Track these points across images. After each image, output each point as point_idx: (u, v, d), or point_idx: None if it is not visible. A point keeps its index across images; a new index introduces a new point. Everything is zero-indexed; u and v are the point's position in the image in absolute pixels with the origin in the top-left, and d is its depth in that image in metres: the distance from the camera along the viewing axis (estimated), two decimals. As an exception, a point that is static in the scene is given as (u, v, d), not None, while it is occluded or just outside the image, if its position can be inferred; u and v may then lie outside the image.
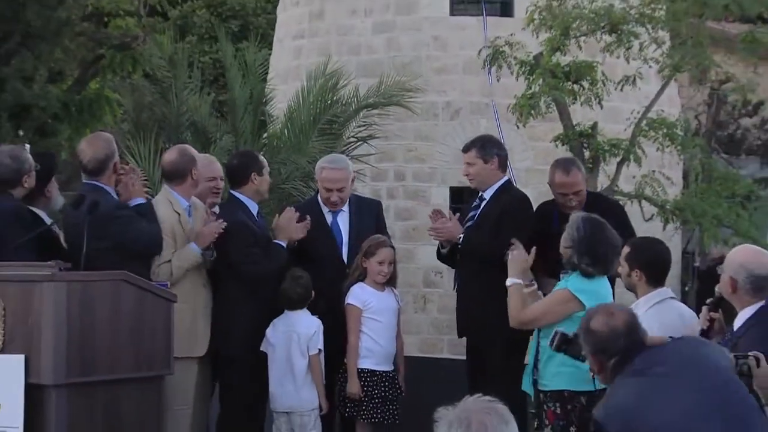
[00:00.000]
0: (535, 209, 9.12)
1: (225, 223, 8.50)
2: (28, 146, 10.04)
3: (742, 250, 6.64)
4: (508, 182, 9.25)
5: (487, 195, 9.02)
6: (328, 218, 9.15)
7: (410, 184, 16.31)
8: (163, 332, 7.50)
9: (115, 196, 8.40)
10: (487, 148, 9.04)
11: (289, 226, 8.79)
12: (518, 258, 7.63)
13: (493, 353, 8.71)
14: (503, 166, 9.10)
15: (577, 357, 5.74)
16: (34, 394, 6.93)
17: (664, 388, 5.17)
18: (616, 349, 5.30)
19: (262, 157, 9.43)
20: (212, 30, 22.76)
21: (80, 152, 8.52)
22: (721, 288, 6.48)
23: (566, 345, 5.82)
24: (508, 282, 7.59)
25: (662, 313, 6.78)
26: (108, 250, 8.05)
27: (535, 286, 7.80)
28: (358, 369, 8.65)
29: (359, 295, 8.70)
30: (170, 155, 8.81)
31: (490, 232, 8.79)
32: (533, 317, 7.53)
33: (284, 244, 8.76)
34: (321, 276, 8.73)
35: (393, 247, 8.95)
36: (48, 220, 8.82)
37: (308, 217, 8.85)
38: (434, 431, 4.39)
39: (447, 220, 9.00)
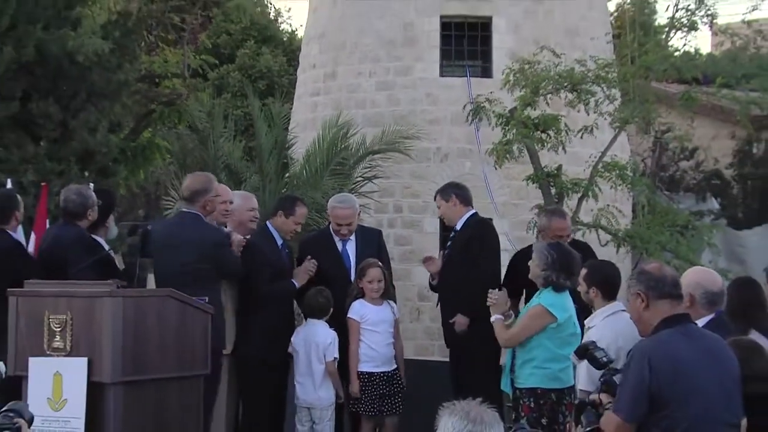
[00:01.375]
0: (518, 253, 9.09)
1: (316, 263, 8.83)
2: (92, 185, 9.96)
3: (696, 271, 6.60)
4: (474, 214, 9.21)
5: (458, 226, 9.17)
6: (339, 246, 9.17)
7: (407, 216, 16.27)
8: (201, 338, 7.41)
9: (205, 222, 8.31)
10: (446, 191, 9.25)
11: (305, 275, 8.83)
12: (500, 301, 7.72)
13: (471, 358, 8.85)
14: (464, 201, 9.14)
15: (596, 363, 5.71)
16: (94, 391, 6.88)
17: (709, 362, 5.10)
18: (665, 290, 5.24)
19: (300, 207, 9.28)
20: (243, 89, 22.77)
21: (185, 184, 8.43)
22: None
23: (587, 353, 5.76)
24: (492, 319, 7.67)
25: (615, 323, 6.72)
26: (204, 270, 8.06)
27: (513, 317, 7.83)
28: (358, 372, 8.69)
29: (358, 310, 8.74)
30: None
31: (461, 257, 8.98)
32: (515, 337, 7.51)
33: (297, 285, 8.80)
34: (333, 295, 8.72)
35: (381, 267, 8.89)
36: (106, 247, 8.82)
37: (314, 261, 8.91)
38: (437, 419, 4.36)
39: (432, 262, 9.22)
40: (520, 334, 7.48)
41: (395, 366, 8.86)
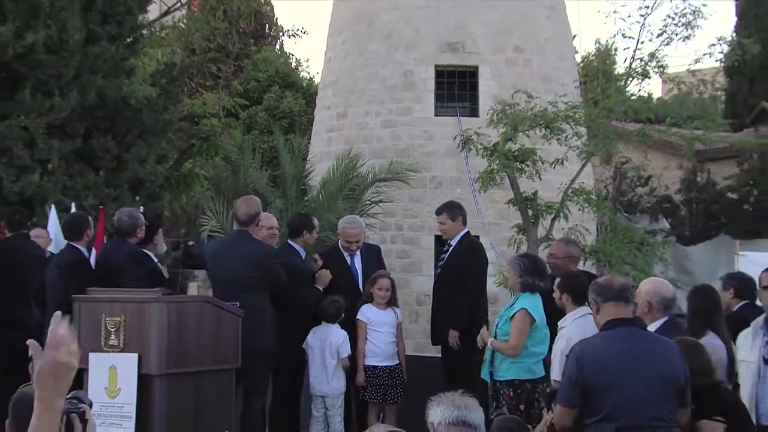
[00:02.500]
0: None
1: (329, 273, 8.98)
2: (141, 208, 10.00)
3: (652, 281, 6.64)
4: (467, 233, 9.29)
5: (453, 242, 9.21)
6: (348, 260, 9.22)
7: (407, 233, 16.28)
8: (233, 337, 7.46)
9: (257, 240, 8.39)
10: (454, 211, 9.26)
11: (326, 280, 8.91)
12: (484, 335, 7.74)
13: (457, 353, 8.91)
14: (464, 221, 9.25)
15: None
16: (143, 381, 6.96)
17: (639, 360, 5.10)
18: (610, 295, 5.25)
19: (315, 221, 9.48)
20: (269, 126, 22.81)
21: (236, 208, 8.51)
22: (639, 310, 6.50)
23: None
24: (488, 343, 7.66)
25: (584, 324, 6.72)
26: (256, 279, 8.10)
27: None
28: (364, 365, 8.74)
29: (365, 313, 8.82)
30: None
31: (456, 271, 9.02)
32: (518, 344, 7.45)
33: (321, 288, 8.90)
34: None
35: (390, 278, 9.03)
36: (155, 260, 8.87)
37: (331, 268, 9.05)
38: (428, 409, 4.37)
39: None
40: (520, 339, 7.47)
41: (397, 362, 8.88)
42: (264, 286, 8.13)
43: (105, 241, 9.61)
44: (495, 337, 7.64)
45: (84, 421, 4.91)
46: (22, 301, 9.11)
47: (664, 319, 6.42)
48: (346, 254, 9.24)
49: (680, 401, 5.12)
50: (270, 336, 8.14)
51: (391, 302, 8.97)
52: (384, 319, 8.86)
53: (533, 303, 7.53)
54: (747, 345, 6.26)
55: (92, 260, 8.85)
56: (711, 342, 6.39)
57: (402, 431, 3.99)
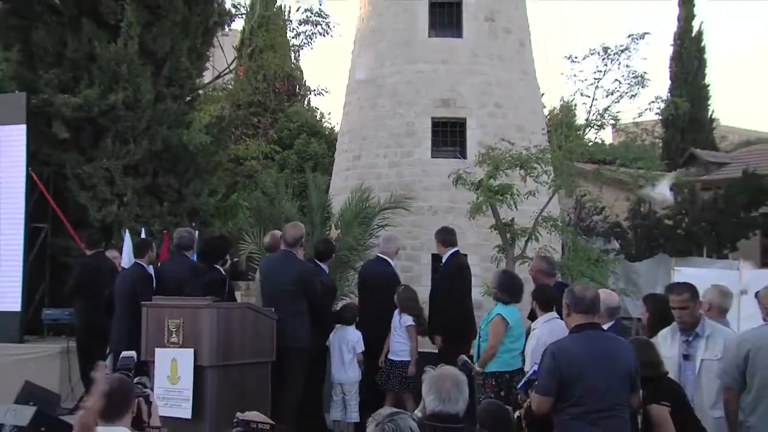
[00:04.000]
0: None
1: None
2: (196, 232, 10.01)
3: (602, 291, 6.58)
4: (456, 252, 8.96)
5: (444, 259, 8.92)
6: None
7: (409, 252, 16.24)
8: (269, 336, 7.46)
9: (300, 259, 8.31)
10: (443, 235, 8.99)
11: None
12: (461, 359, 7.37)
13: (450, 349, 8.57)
14: (452, 244, 8.93)
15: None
16: (198, 371, 6.96)
17: (602, 357, 5.05)
18: (582, 308, 5.19)
19: (333, 244, 9.38)
20: (299, 166, 22.90)
21: (285, 231, 8.36)
22: None
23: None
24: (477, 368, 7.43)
25: (551, 326, 6.74)
26: (299, 291, 7.98)
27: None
28: (386, 359, 8.60)
29: (395, 320, 8.64)
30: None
31: (446, 284, 8.82)
32: (495, 345, 7.37)
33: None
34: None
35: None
36: (222, 273, 8.95)
37: None
38: (423, 381, 4.35)
39: None
40: (496, 341, 7.41)
41: (410, 358, 8.60)
42: (304, 297, 8.07)
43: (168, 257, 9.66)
44: (479, 338, 7.61)
45: (148, 403, 4.91)
46: (99, 309, 9.19)
47: (611, 323, 6.40)
48: None
49: (632, 388, 5.09)
50: (308, 336, 8.07)
51: (406, 308, 8.71)
52: (396, 322, 8.63)
53: (506, 309, 7.49)
54: (666, 343, 6.22)
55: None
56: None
57: (404, 412, 3.87)
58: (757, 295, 6.40)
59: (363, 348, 8.64)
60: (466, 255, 11.92)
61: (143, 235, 10.69)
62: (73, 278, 9.92)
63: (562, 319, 5.99)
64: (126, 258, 10.02)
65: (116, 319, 8.76)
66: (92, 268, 9.80)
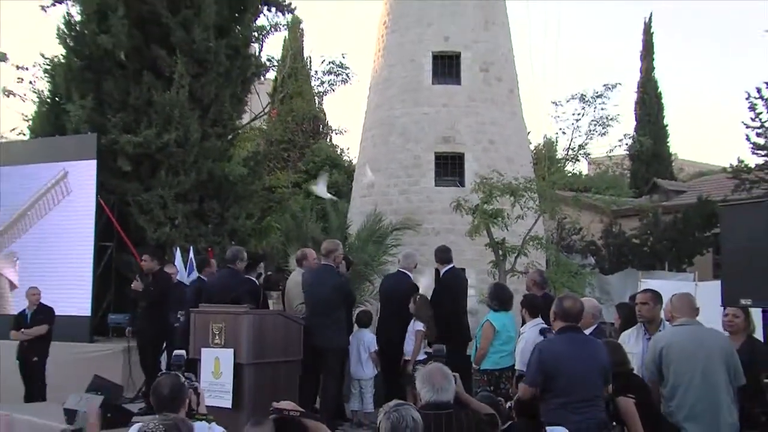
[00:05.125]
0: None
1: None
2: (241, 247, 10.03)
3: (586, 300, 6.60)
4: (452, 267, 8.91)
5: (442, 273, 8.91)
6: None
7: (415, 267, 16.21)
8: (297, 338, 7.43)
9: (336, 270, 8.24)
10: (440, 255, 8.93)
11: None
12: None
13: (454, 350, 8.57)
14: (447, 261, 8.87)
15: None
16: (237, 367, 6.95)
17: (581, 355, 5.05)
18: (567, 318, 5.19)
19: (351, 259, 9.41)
20: (323, 193, 22.94)
21: (323, 246, 8.33)
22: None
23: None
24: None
25: (537, 330, 6.69)
26: (337, 299, 7.99)
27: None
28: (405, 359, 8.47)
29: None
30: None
31: (445, 293, 8.72)
32: (485, 348, 7.40)
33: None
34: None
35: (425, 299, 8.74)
36: (256, 282, 8.94)
37: None
38: (415, 377, 4.36)
39: None
40: (485, 344, 7.42)
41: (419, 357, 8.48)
42: (342, 304, 8.03)
43: (215, 270, 9.63)
44: (475, 340, 7.61)
45: (197, 394, 4.93)
46: (166, 314, 9.17)
47: (595, 325, 6.41)
48: None
49: (604, 381, 5.09)
50: (344, 339, 8.03)
51: (421, 316, 8.56)
52: (412, 329, 8.51)
53: (495, 316, 7.48)
54: (630, 342, 6.23)
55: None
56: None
57: (408, 403, 3.89)
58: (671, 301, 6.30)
59: (376, 347, 8.61)
60: (464, 269, 11.96)
61: (191, 253, 10.72)
62: (158, 289, 9.54)
63: (547, 324, 6.01)
64: (179, 272, 10.09)
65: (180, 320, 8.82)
66: (162, 279, 9.76)
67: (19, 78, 14.92)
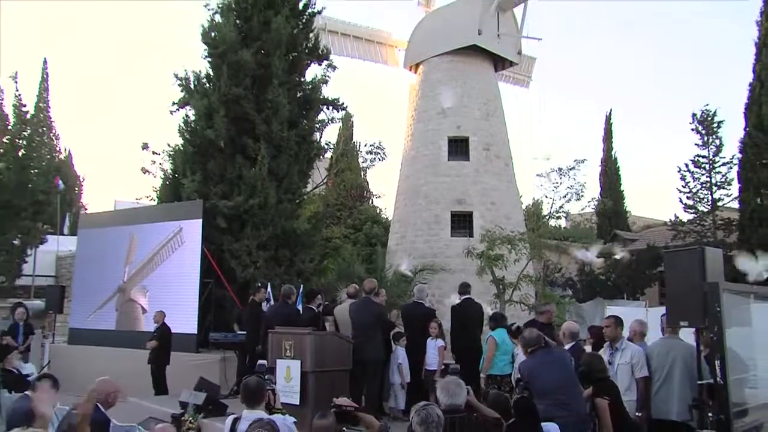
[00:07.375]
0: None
1: None
2: (301, 286, 10.00)
3: (567, 322, 6.53)
4: (468, 298, 8.62)
5: (459, 301, 8.65)
6: None
7: (438, 298, 15.78)
8: (347, 353, 7.30)
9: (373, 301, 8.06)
10: (461, 288, 8.74)
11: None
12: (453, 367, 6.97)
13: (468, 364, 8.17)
14: (466, 292, 8.64)
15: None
16: (303, 375, 6.90)
17: (548, 367, 5.01)
18: (530, 344, 5.15)
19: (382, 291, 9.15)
20: (367, 243, 22.84)
21: (364, 284, 8.19)
22: (560, 336, 6.48)
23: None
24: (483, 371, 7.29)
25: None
26: (377, 324, 7.85)
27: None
28: (427, 369, 8.29)
29: (429, 343, 8.35)
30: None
31: (462, 322, 8.39)
32: (489, 357, 7.27)
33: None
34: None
35: (438, 323, 8.52)
36: (316, 310, 8.87)
37: None
38: (436, 386, 4.32)
39: None
40: (490, 354, 7.30)
41: (441, 367, 8.22)
42: (380, 327, 7.94)
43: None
44: (483, 352, 7.49)
45: (274, 394, 4.93)
46: (259, 333, 8.91)
47: (572, 343, 6.28)
48: None
49: (578, 380, 5.11)
50: (382, 352, 7.95)
51: (441, 336, 8.43)
52: (433, 345, 8.34)
53: (497, 334, 7.40)
54: (605, 356, 6.13)
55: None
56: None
57: (433, 404, 3.87)
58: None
59: (406, 362, 8.46)
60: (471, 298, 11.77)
61: (269, 288, 10.64)
62: (251, 316, 9.52)
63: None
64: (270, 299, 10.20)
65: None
66: (254, 307, 9.74)
67: (152, 161, 15.47)
